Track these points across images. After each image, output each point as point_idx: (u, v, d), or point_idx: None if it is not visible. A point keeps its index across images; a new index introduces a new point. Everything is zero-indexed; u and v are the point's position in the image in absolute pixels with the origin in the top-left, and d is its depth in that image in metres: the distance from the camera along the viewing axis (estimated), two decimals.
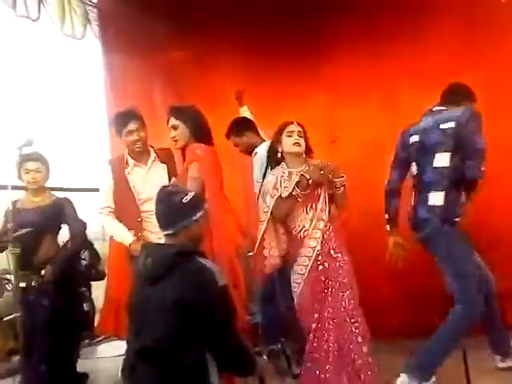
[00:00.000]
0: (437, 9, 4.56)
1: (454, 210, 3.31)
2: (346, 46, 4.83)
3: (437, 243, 3.36)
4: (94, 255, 6.23)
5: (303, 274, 3.22)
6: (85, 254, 6.16)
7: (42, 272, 3.64)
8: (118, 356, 4.67)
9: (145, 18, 4.97)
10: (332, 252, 3.26)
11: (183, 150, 3.46)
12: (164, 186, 2.56)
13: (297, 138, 3.32)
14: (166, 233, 2.43)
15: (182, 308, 2.22)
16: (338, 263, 3.24)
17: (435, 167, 3.34)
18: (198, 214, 2.42)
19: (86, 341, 5.50)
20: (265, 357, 2.55)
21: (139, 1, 4.93)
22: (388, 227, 3.59)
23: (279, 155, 3.36)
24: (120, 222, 3.67)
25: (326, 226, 3.28)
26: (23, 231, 3.55)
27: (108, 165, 3.79)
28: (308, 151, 3.40)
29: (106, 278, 5.93)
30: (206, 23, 4.89)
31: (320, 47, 4.85)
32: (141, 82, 5.16)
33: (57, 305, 3.63)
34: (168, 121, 3.49)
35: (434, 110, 3.50)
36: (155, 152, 3.77)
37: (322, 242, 3.24)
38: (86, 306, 5.89)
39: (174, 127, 3.44)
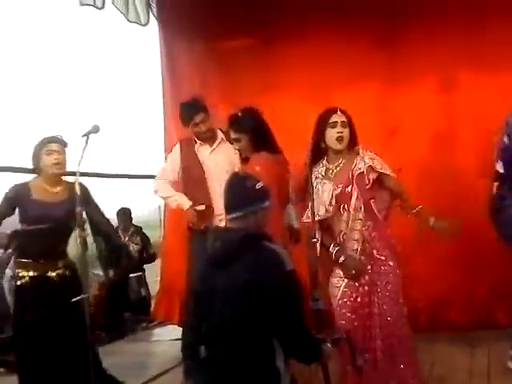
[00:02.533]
0: None
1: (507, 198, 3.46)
2: (401, 32, 4.71)
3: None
4: (144, 239, 6.42)
5: (342, 277, 3.03)
6: (137, 239, 6.33)
7: (59, 262, 3.34)
8: (174, 340, 4.75)
9: (204, 4, 4.99)
10: (375, 252, 3.04)
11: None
12: (236, 172, 2.58)
13: (340, 130, 3.04)
14: (232, 216, 2.42)
15: (251, 290, 2.21)
16: (382, 267, 3.03)
17: (496, 170, 3.46)
18: (267, 203, 2.41)
19: (143, 324, 5.63)
20: (329, 344, 2.51)
21: None
22: None
23: (322, 147, 3.10)
24: (190, 196, 3.82)
25: (364, 225, 3.04)
26: (45, 226, 3.22)
27: (177, 143, 3.99)
28: (352, 142, 3.11)
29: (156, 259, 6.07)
30: (268, 12, 4.88)
31: (376, 35, 4.75)
32: (197, 68, 5.21)
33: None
34: (228, 132, 3.57)
35: None
36: (223, 133, 3.88)
37: (363, 242, 3.02)
38: (143, 291, 6.07)
39: (237, 140, 3.49)
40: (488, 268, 4.30)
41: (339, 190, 3.03)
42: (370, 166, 3.05)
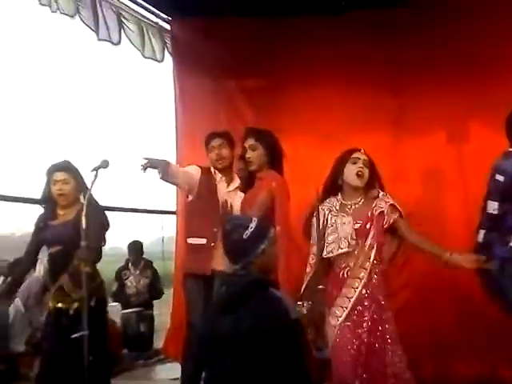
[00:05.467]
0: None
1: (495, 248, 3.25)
2: (412, 78, 4.73)
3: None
4: (154, 274, 6.35)
5: (340, 317, 2.92)
6: (147, 273, 6.28)
7: (74, 294, 3.27)
8: (173, 379, 4.64)
9: (215, 45, 5.07)
10: (380, 298, 2.98)
11: (252, 172, 3.47)
12: (226, 221, 2.55)
13: (361, 166, 3.04)
14: (233, 268, 2.40)
15: (254, 338, 2.17)
16: (383, 315, 2.95)
17: (486, 212, 3.27)
18: (262, 246, 2.35)
19: (141, 361, 5.52)
20: None
21: (209, 28, 5.04)
22: None
23: (339, 184, 3.10)
24: (195, 225, 3.71)
25: (373, 266, 2.99)
26: (53, 250, 3.39)
27: (199, 168, 3.82)
28: (370, 184, 3.09)
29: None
30: (281, 55, 4.93)
31: (388, 80, 4.79)
32: (209, 105, 5.22)
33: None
34: (245, 140, 3.52)
35: (507, 151, 3.33)
36: (239, 179, 3.81)
37: (366, 284, 2.95)
38: (142, 327, 5.97)
39: (253, 148, 3.48)
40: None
41: (358, 225, 3.00)
42: (391, 204, 3.05)
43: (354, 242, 2.97)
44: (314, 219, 3.05)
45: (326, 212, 3.03)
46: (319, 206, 3.02)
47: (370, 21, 4.75)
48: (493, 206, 3.27)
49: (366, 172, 3.06)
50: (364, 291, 2.94)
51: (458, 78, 4.57)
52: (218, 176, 3.77)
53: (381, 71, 4.75)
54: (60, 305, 3.35)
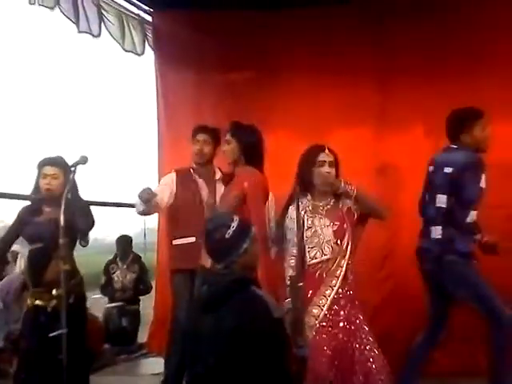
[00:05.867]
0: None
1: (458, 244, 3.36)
2: (396, 78, 4.77)
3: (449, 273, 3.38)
4: (142, 268, 6.31)
5: (317, 316, 2.88)
6: (134, 268, 6.23)
7: (54, 292, 3.21)
8: (155, 374, 4.63)
9: (198, 38, 5.05)
10: (354, 297, 2.97)
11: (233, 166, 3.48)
12: (208, 220, 2.54)
13: (328, 170, 2.99)
14: (215, 266, 2.40)
15: (236, 337, 2.17)
16: (359, 314, 2.95)
17: (436, 206, 3.39)
18: (244, 245, 2.36)
19: (123, 356, 5.49)
20: None
21: (193, 21, 5.02)
22: None
23: (308, 185, 3.05)
24: (181, 226, 3.70)
25: (348, 264, 2.98)
26: (33, 247, 3.32)
27: (173, 172, 3.84)
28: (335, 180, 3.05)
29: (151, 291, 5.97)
30: (264, 47, 4.92)
31: (372, 75, 4.80)
32: (191, 99, 5.21)
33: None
34: (225, 134, 3.52)
35: (448, 147, 3.52)
36: (221, 173, 3.82)
37: (342, 282, 2.93)
38: (124, 322, 5.93)
39: (228, 142, 3.48)
40: None
41: (336, 227, 2.98)
42: (354, 196, 3.03)
43: (336, 248, 2.96)
44: (289, 221, 3.03)
45: (302, 213, 2.98)
46: (296, 208, 2.93)
47: (354, 13, 4.77)
48: (442, 200, 3.38)
49: (333, 172, 3.03)
50: (340, 290, 2.93)
51: (442, 72, 4.60)
52: (197, 175, 3.79)
53: (366, 66, 4.76)
54: (38, 302, 3.30)
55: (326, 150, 3.04)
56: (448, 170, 3.37)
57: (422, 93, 4.62)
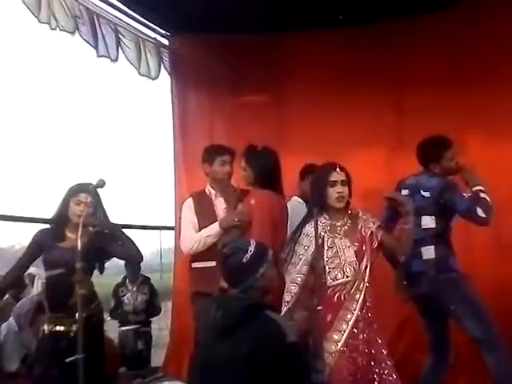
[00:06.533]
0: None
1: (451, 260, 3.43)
2: (410, 98, 4.77)
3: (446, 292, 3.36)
4: (152, 290, 6.28)
5: (338, 342, 2.80)
6: (144, 289, 6.21)
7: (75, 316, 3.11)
8: None
9: (215, 61, 5.10)
10: (372, 319, 2.89)
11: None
12: (225, 244, 2.51)
13: (340, 189, 2.94)
14: (232, 292, 2.38)
15: (251, 363, 2.15)
16: (377, 338, 2.89)
17: (423, 228, 3.40)
18: (261, 270, 2.35)
19: (138, 380, 5.44)
20: None
21: (208, 44, 5.06)
22: None
23: (324, 204, 2.99)
24: (202, 251, 3.59)
25: (367, 287, 2.90)
26: (55, 272, 3.26)
27: (189, 197, 3.77)
28: (348, 201, 3.02)
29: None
30: (280, 70, 4.96)
31: (386, 100, 4.82)
32: (207, 123, 5.25)
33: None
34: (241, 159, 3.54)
35: (419, 173, 3.57)
36: (236, 191, 3.72)
37: (361, 306, 2.86)
38: (140, 345, 5.89)
39: (243, 169, 3.50)
40: None
41: (355, 248, 2.93)
42: (379, 225, 3.01)
43: (358, 268, 2.90)
44: (305, 238, 2.97)
45: (322, 232, 2.94)
46: (314, 225, 2.87)
47: (370, 34, 4.78)
48: (429, 220, 3.41)
49: (346, 191, 2.99)
50: (359, 313, 2.87)
51: (454, 92, 4.57)
52: (213, 193, 3.71)
53: (382, 86, 4.75)
54: (59, 328, 3.24)
55: (337, 169, 2.99)
56: (426, 194, 3.42)
57: (437, 112, 4.58)
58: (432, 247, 3.39)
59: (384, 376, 2.82)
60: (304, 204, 3.94)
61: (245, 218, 3.35)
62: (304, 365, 2.32)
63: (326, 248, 2.93)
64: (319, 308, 2.75)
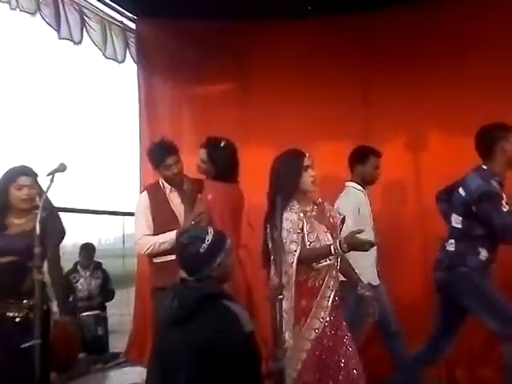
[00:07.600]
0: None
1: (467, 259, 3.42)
2: (379, 87, 4.81)
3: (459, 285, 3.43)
4: (105, 275, 6.28)
5: (317, 329, 2.83)
6: (97, 274, 6.19)
7: (24, 302, 3.16)
8: None
9: (181, 47, 5.05)
10: (339, 306, 2.93)
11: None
12: (181, 233, 2.53)
13: (313, 173, 2.95)
14: (189, 279, 2.37)
15: (206, 353, 2.15)
16: (343, 322, 2.94)
17: (451, 224, 3.50)
18: (219, 259, 2.34)
19: (99, 365, 5.43)
20: None
21: (177, 30, 5.01)
22: None
23: (298, 190, 2.93)
24: None
25: (337, 273, 2.94)
26: (5, 260, 3.16)
27: (144, 191, 3.77)
28: None
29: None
30: (248, 58, 4.95)
31: (356, 90, 4.84)
32: (173, 109, 5.23)
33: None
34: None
35: (475, 168, 3.48)
36: (188, 181, 3.73)
37: (334, 293, 2.89)
38: (99, 330, 5.87)
39: (203, 161, 3.62)
40: None
41: (328, 232, 2.94)
42: (343, 218, 3.09)
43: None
44: (288, 223, 2.86)
45: (301, 215, 2.89)
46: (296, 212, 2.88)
47: (339, 26, 4.79)
48: (456, 220, 3.46)
49: (317, 176, 3.00)
50: (333, 300, 2.90)
51: (422, 87, 4.63)
52: (168, 188, 3.69)
53: (350, 79, 4.78)
54: (8, 313, 3.19)
55: (307, 154, 2.99)
56: (463, 194, 3.42)
57: (405, 107, 4.66)
58: (453, 241, 3.48)
59: (348, 353, 2.87)
60: (362, 191, 4.01)
61: (202, 217, 3.42)
62: (258, 354, 2.30)
63: (306, 232, 2.90)
64: (280, 297, 2.75)
